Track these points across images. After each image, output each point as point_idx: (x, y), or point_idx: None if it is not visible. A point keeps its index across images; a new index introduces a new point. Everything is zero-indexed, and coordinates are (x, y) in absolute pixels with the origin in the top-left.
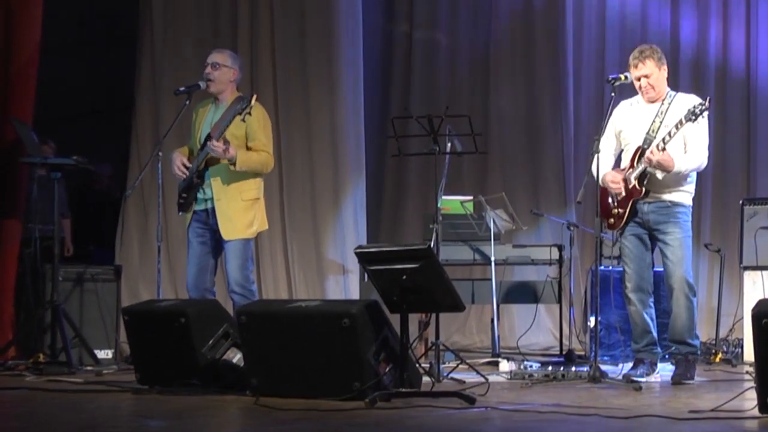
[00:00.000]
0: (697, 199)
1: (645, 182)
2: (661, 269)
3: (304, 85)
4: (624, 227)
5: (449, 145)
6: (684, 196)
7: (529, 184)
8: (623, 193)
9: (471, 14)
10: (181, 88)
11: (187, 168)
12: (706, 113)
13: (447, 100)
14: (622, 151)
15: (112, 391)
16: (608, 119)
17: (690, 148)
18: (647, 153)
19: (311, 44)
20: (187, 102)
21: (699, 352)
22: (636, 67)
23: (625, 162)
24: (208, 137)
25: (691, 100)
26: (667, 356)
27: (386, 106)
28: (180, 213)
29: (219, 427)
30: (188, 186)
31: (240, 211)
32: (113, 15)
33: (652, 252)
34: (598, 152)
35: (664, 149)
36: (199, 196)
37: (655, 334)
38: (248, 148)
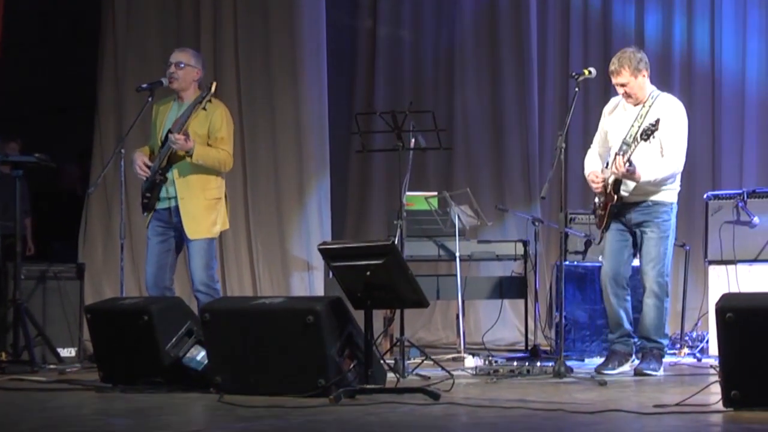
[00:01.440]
0: None
1: (620, 189)
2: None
3: (267, 81)
4: (608, 225)
5: (413, 141)
6: (667, 194)
7: (493, 179)
8: (602, 192)
9: (435, 10)
10: (144, 85)
11: (148, 167)
12: (656, 133)
13: (411, 97)
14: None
15: (76, 389)
16: (571, 114)
17: (666, 153)
18: (613, 167)
19: (274, 41)
20: (150, 99)
21: (666, 350)
22: (613, 75)
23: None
24: (169, 132)
25: (666, 106)
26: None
27: (350, 102)
28: (144, 213)
29: (183, 425)
30: (151, 185)
31: (203, 210)
32: (75, 11)
33: (635, 248)
34: (563, 147)
35: (629, 162)
36: (162, 194)
37: (628, 326)
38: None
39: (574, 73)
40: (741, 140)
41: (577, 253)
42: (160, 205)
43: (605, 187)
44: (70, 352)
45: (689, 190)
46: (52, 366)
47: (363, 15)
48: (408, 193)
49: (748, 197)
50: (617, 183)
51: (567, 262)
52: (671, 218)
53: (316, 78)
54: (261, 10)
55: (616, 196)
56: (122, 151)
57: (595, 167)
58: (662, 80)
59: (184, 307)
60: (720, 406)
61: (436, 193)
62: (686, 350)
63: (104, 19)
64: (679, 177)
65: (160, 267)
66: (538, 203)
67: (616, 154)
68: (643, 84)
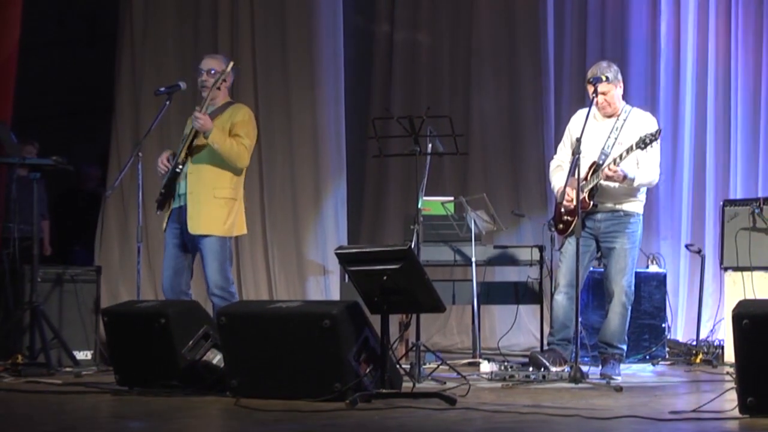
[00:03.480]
0: (677, 200)
1: (594, 196)
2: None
3: (284, 85)
4: (571, 234)
5: (430, 146)
6: (637, 205)
7: (510, 185)
8: (570, 202)
9: (452, 15)
10: (162, 89)
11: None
12: (656, 143)
13: (428, 101)
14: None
15: (92, 392)
16: (587, 119)
17: (642, 166)
18: (605, 169)
19: (292, 44)
20: (168, 102)
21: (624, 354)
22: (595, 83)
23: (582, 172)
24: (190, 132)
25: (644, 120)
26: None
27: (367, 107)
28: (158, 212)
29: (199, 429)
30: (168, 181)
31: (211, 206)
32: (93, 14)
33: (599, 257)
34: (579, 153)
35: (618, 165)
36: (178, 191)
37: (571, 333)
38: None
39: (591, 79)
40: (757, 146)
41: (594, 259)
42: (174, 204)
43: (577, 196)
44: (86, 355)
45: (703, 196)
46: (68, 369)
47: (380, 20)
48: (424, 198)
49: (764, 204)
50: (594, 190)
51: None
52: (639, 229)
53: (333, 83)
54: (278, 14)
55: (591, 203)
56: (140, 154)
57: (562, 182)
58: (676, 86)
59: (200, 310)
60: (736, 413)
61: (452, 198)
62: (702, 356)
63: (122, 21)
64: (645, 190)
65: (177, 271)
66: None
67: (594, 163)
68: (619, 96)
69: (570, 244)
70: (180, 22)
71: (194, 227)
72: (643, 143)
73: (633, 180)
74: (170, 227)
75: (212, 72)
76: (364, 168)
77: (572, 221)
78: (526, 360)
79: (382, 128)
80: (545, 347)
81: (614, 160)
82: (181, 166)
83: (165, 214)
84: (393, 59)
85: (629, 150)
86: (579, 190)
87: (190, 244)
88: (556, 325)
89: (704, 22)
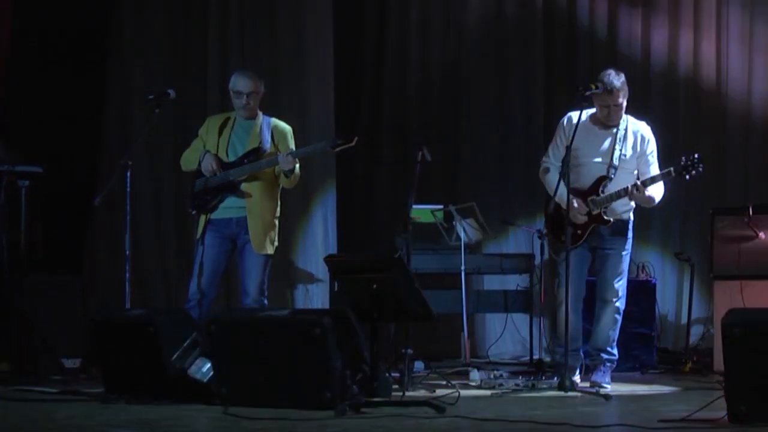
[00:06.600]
0: (667, 208)
1: (608, 211)
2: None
3: (275, 91)
4: (575, 246)
5: (420, 154)
6: (629, 213)
7: (499, 193)
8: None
9: (443, 24)
10: (150, 96)
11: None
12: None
13: (418, 109)
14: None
15: (80, 400)
16: (576, 127)
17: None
18: (633, 191)
19: (282, 50)
20: (157, 110)
21: (615, 362)
22: (610, 95)
23: (583, 182)
24: (254, 151)
25: (642, 131)
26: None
27: (357, 115)
28: (194, 211)
29: None
30: (215, 190)
31: (269, 226)
32: (83, 18)
33: (592, 264)
34: (568, 162)
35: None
36: (229, 203)
37: (580, 341)
38: None
39: (580, 88)
40: (747, 155)
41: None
42: (220, 215)
43: (590, 210)
44: (75, 363)
45: (694, 205)
46: (56, 377)
47: (371, 29)
48: (414, 206)
49: (753, 212)
50: (607, 207)
51: None
52: (632, 236)
53: (323, 91)
54: (269, 22)
55: (611, 220)
56: (129, 162)
57: (563, 192)
58: (668, 96)
59: (189, 318)
60: (725, 421)
61: (441, 207)
62: (691, 365)
63: (111, 26)
64: None
65: (215, 274)
66: (543, 217)
67: (603, 177)
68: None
69: (572, 258)
70: (169, 28)
71: (259, 247)
72: (684, 170)
73: (658, 201)
74: (212, 234)
75: (251, 95)
76: (353, 176)
77: (584, 234)
78: (515, 368)
79: (372, 136)
80: (555, 359)
81: (643, 183)
82: (234, 186)
83: (201, 220)
84: (383, 68)
85: (667, 174)
86: (570, 201)
87: (230, 255)
88: (570, 337)
89: (695, 32)
